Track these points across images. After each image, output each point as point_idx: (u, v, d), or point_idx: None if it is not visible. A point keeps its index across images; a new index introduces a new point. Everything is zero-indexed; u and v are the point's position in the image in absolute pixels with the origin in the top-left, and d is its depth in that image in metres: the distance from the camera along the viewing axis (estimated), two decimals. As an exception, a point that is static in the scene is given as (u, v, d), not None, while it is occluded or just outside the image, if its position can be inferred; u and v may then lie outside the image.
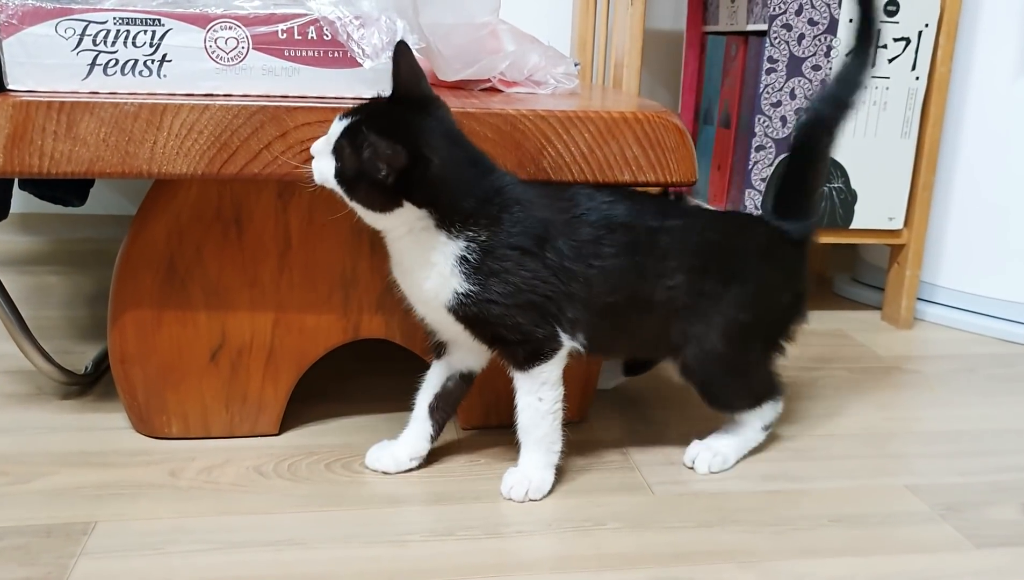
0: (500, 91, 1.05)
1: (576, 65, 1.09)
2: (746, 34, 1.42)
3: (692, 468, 0.97)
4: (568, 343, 0.88)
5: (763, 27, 1.33)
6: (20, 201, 1.70)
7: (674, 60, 1.76)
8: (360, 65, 0.85)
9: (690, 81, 1.61)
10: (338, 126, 0.80)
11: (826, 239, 1.44)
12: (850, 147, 1.38)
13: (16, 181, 1.07)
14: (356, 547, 0.81)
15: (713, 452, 0.98)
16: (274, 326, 0.96)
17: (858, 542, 0.85)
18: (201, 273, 0.93)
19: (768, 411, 1.00)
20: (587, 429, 1.06)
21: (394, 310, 0.98)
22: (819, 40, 1.33)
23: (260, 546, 0.80)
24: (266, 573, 0.76)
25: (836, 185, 1.39)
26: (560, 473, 0.95)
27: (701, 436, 1.00)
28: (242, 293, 0.95)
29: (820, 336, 1.44)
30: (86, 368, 1.11)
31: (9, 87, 0.82)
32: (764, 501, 0.92)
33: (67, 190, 1.07)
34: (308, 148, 0.84)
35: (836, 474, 0.98)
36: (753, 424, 1.00)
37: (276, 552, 0.79)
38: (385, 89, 0.85)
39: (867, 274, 1.65)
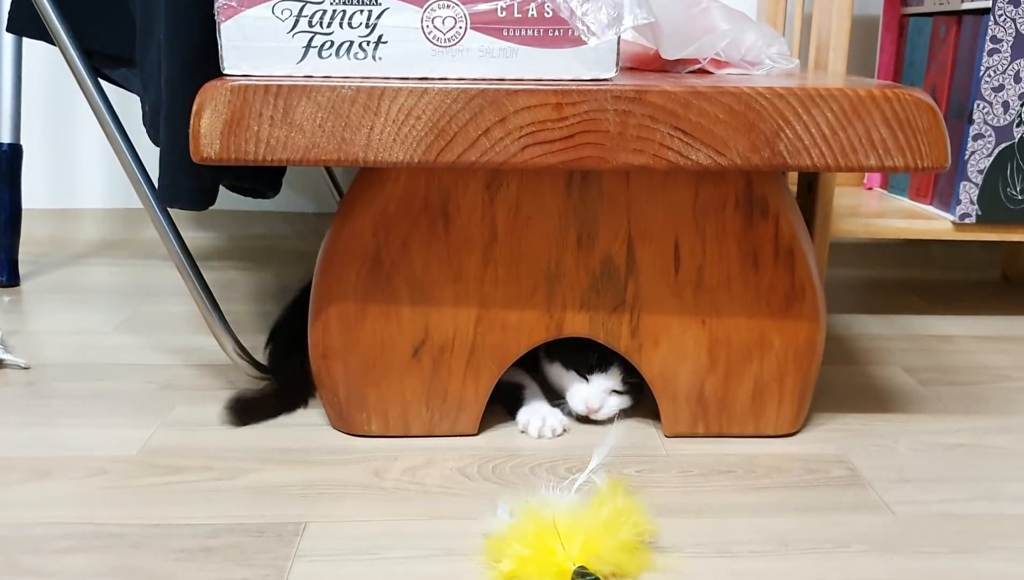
0: (710, 72, 0.97)
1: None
2: (959, 13, 1.30)
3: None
4: None
5: (984, 4, 1.22)
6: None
7: (863, 45, 1.65)
8: (584, 43, 0.79)
9: (887, 66, 1.49)
10: None
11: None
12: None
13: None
14: (579, 560, 0.75)
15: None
16: (477, 322, 0.92)
17: None
18: (407, 267, 0.90)
19: None
20: (804, 441, 0.97)
21: (598, 307, 0.92)
22: (1049, 16, 1.20)
23: (477, 555, 0.75)
24: (490, 585, 0.72)
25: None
26: (785, 488, 0.87)
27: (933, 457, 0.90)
28: (446, 288, 0.91)
29: (1040, 343, 1.30)
30: (277, 363, 1.10)
31: (225, 71, 0.80)
32: (1022, 525, 0.82)
33: (265, 181, 1.05)
34: (527, 134, 0.79)
35: (1100, 498, 0.87)
36: None
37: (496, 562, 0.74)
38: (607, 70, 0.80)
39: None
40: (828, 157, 0.81)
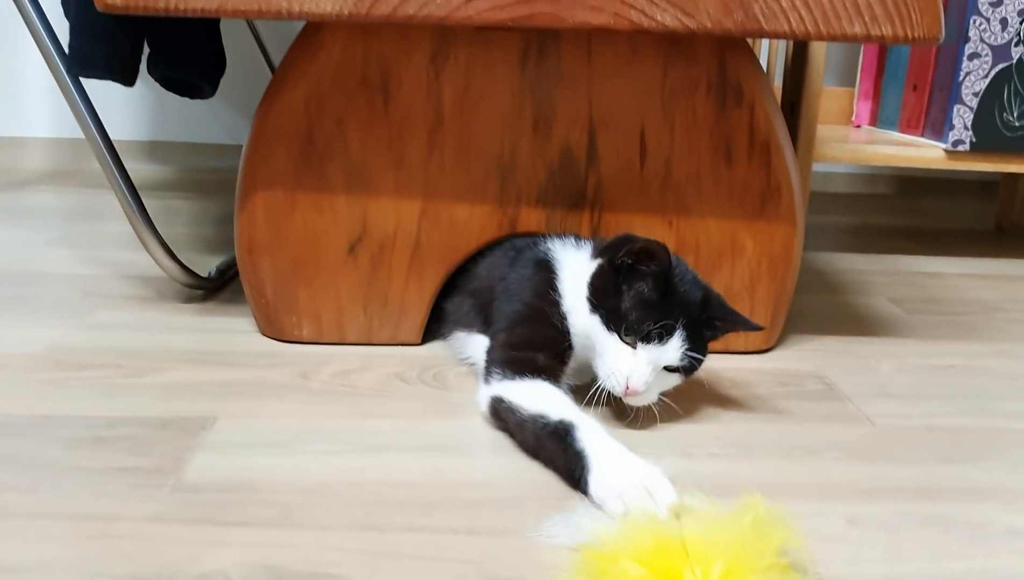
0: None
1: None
2: (956, -72, 1.22)
3: None
4: None
5: (982, -87, 1.14)
6: (149, 128, 1.64)
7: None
8: None
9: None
10: None
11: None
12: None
13: (145, 61, 0.97)
14: (517, 457, 0.67)
15: None
16: (421, 216, 0.83)
17: None
18: (342, 150, 0.81)
19: None
20: (777, 358, 0.89)
21: (556, 203, 0.84)
22: (1052, -74, 1.12)
23: (407, 450, 0.67)
24: (416, 478, 0.63)
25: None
26: (753, 399, 0.79)
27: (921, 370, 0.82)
28: (386, 175, 0.82)
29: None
30: (210, 273, 1.01)
31: (136, -87, 0.72)
32: (1019, 439, 0.74)
33: (201, 72, 0.96)
34: (472, -14, 0.71)
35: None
36: None
37: (425, 458, 0.66)
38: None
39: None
40: (808, 23, 0.73)
